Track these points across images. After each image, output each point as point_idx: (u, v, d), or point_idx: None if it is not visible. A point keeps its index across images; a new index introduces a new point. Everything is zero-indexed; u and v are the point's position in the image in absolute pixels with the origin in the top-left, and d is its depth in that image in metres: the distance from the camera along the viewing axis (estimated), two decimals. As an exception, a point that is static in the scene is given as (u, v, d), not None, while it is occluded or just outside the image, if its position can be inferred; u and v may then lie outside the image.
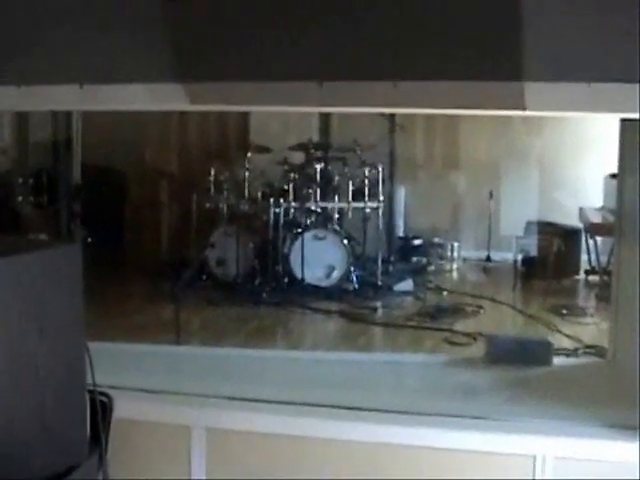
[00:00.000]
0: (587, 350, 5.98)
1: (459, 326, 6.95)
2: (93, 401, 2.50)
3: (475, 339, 6.46)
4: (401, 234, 9.78)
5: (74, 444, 2.19)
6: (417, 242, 9.63)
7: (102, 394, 2.60)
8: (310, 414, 3.65)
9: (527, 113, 2.35)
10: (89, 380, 2.35)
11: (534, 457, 3.35)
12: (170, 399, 3.77)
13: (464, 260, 9.70)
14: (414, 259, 9.50)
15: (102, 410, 2.58)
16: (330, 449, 3.55)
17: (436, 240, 9.68)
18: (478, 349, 6.23)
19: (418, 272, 9.05)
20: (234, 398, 3.75)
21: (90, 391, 2.46)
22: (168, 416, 3.67)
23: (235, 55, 2.73)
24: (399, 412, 3.62)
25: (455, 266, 9.60)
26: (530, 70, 2.19)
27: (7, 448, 1.99)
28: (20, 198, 9.24)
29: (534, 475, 3.35)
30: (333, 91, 2.48)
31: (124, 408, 3.19)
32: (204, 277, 8.27)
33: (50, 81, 2.91)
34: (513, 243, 9.13)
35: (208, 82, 2.76)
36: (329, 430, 3.58)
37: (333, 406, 3.66)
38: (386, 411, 3.63)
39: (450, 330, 6.75)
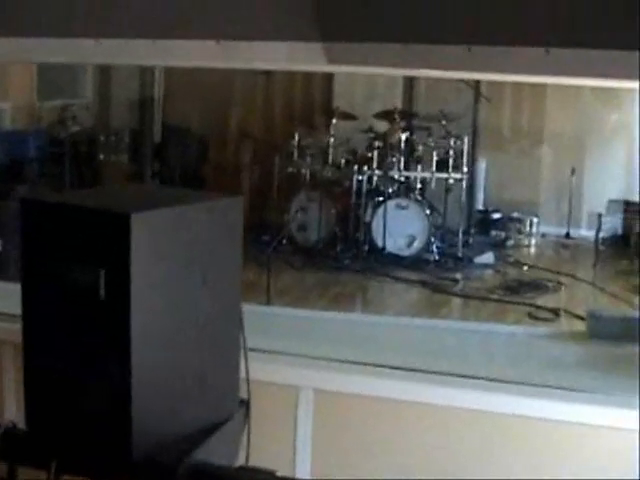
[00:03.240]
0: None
1: (540, 301, 6.90)
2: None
3: (558, 315, 6.42)
4: (480, 207, 9.70)
5: (228, 396, 2.21)
6: (496, 216, 9.55)
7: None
8: (409, 378, 3.64)
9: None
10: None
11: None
12: (276, 359, 3.77)
13: (543, 236, 9.60)
14: (493, 232, 9.42)
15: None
16: (428, 413, 3.54)
17: (515, 214, 9.59)
18: (561, 325, 6.20)
19: (497, 246, 9.00)
20: (341, 361, 3.74)
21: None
22: (276, 375, 3.67)
23: (375, 16, 2.70)
24: (499, 381, 3.59)
25: (533, 241, 9.50)
26: None
27: (167, 397, 2.01)
28: (102, 156, 9.32)
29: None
30: (482, 56, 2.44)
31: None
32: (284, 241, 8.27)
33: (187, 36, 2.90)
34: (594, 221, 9.00)
35: (348, 42, 2.73)
36: (426, 395, 3.57)
37: (431, 372, 3.65)
38: (485, 379, 3.60)
39: (534, 305, 6.69)
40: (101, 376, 1.90)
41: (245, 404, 2.34)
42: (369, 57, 2.66)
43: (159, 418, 1.97)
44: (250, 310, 5.08)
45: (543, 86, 9.35)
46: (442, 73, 2.80)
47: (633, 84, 2.82)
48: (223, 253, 2.14)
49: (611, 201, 9.29)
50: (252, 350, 3.79)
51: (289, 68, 2.97)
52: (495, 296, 7.10)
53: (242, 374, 3.33)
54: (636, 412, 3.33)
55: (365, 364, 3.68)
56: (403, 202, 8.16)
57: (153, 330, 1.95)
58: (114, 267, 1.85)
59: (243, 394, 3.28)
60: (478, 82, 9.18)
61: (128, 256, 1.83)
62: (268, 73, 8.82)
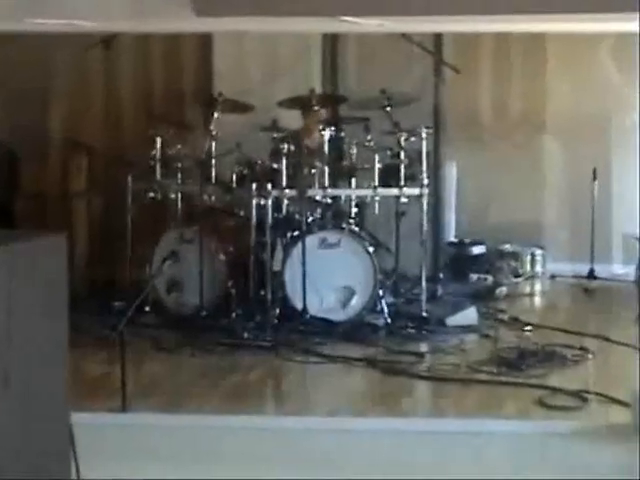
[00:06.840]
0: None
1: (556, 380, 6.87)
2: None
3: (585, 400, 6.38)
4: (452, 237, 9.72)
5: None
6: (478, 250, 9.59)
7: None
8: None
9: None
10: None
11: None
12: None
13: (552, 277, 9.65)
14: (474, 277, 9.45)
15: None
16: None
17: (507, 247, 9.63)
18: (591, 415, 6.16)
19: (481, 297, 9.00)
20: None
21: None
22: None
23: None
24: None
25: (539, 287, 9.55)
26: None
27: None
28: None
29: None
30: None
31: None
32: (147, 308, 8.14)
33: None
34: (631, 251, 9.05)
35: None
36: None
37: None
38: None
39: (547, 387, 6.66)
40: None
41: None
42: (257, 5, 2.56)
43: None
44: (98, 421, 5.03)
45: (540, 47, 9.41)
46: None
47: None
48: (39, 327, 2.01)
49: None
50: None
51: (135, 28, 2.83)
52: (484, 376, 7.06)
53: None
54: None
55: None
56: (331, 237, 8.10)
57: None
58: None
59: None
60: (440, 44, 9.21)
61: None
62: (107, 43, 8.71)
